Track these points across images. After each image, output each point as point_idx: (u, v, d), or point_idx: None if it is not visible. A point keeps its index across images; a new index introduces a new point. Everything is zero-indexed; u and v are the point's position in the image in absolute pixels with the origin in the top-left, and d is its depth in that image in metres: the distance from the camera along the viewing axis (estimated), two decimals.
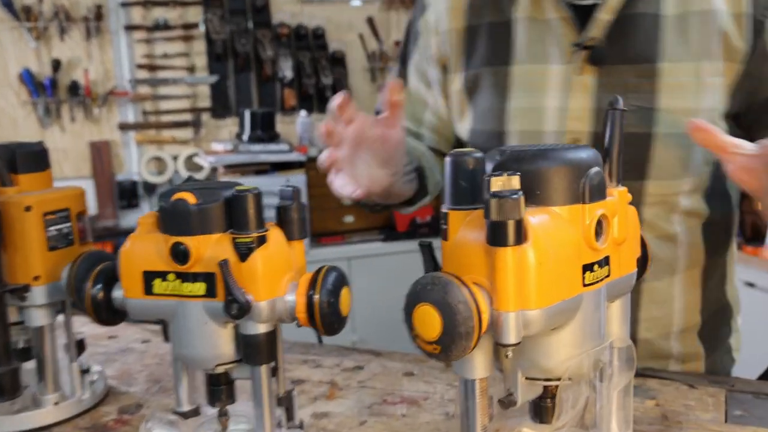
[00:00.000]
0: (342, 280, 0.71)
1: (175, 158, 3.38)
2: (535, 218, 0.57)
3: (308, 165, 3.12)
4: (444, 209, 0.61)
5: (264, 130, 3.08)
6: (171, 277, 0.71)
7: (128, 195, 3.41)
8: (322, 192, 3.37)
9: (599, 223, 0.61)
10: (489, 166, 0.61)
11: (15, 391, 0.86)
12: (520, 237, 0.55)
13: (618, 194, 0.64)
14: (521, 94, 1.02)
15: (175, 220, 0.69)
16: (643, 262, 0.71)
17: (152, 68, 3.34)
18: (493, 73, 1.04)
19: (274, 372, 0.76)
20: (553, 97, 0.99)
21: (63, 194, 0.89)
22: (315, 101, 3.62)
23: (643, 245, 0.71)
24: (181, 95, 3.35)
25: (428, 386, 0.96)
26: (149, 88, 3.36)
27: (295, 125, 3.45)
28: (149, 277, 0.72)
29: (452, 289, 0.54)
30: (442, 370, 1.01)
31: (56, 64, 3.19)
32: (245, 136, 3.11)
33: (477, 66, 1.06)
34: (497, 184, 0.56)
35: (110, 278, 0.77)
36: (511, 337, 0.56)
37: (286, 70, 3.50)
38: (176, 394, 0.81)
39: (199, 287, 0.70)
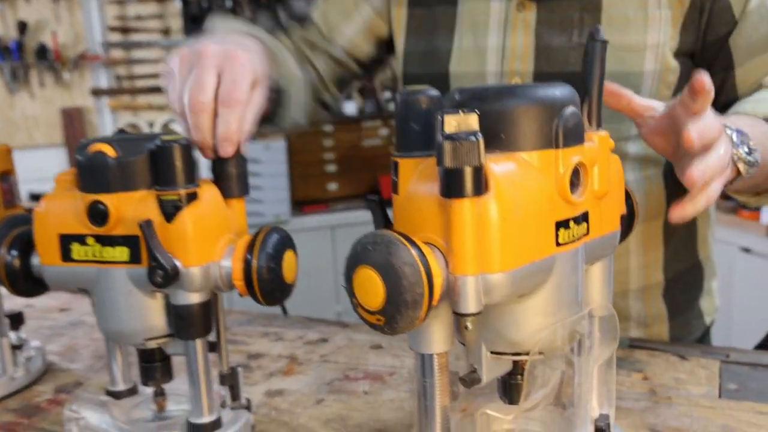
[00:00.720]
0: (285, 243, 0.63)
1: (151, 125, 3.25)
2: (498, 165, 0.48)
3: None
4: (394, 157, 0.53)
5: None
6: (90, 240, 0.62)
7: None
8: (304, 159, 3.27)
9: (575, 173, 0.52)
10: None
11: None
12: (480, 187, 0.46)
13: (598, 139, 0.55)
14: (468, 34, 0.95)
15: (92, 176, 0.60)
16: (628, 220, 0.63)
17: (125, 31, 3.20)
18: (441, 12, 0.97)
19: (214, 347, 0.68)
20: (494, 36, 0.93)
21: None
22: None
23: (629, 200, 0.62)
24: (157, 59, 3.22)
25: (395, 360, 0.88)
26: (122, 52, 3.22)
27: None
28: (66, 240, 0.63)
29: (397, 249, 0.45)
30: None
31: (22, 27, 3.04)
32: None
33: (424, 3, 0.99)
34: (451, 124, 0.47)
35: (28, 243, 0.68)
36: (470, 305, 0.48)
37: None
38: (110, 373, 0.73)
39: (122, 252, 0.61)
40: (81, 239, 0.62)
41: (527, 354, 0.53)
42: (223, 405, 0.69)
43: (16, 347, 0.88)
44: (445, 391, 0.55)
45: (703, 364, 0.81)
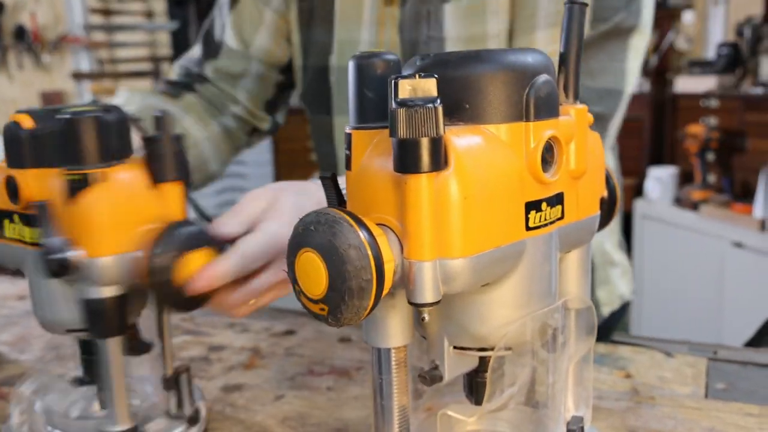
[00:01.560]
0: (197, 239, 0.56)
1: None
2: (460, 138, 0.43)
3: None
4: (347, 129, 0.47)
5: None
6: (15, 218, 0.57)
7: None
8: (290, 147, 3.21)
9: (548, 149, 0.47)
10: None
11: None
12: (438, 161, 0.41)
13: (575, 113, 0.49)
14: (343, 27, 0.94)
15: (8, 148, 0.55)
16: (609, 205, 0.58)
17: (107, 13, 3.13)
18: (321, 4, 0.96)
19: (146, 347, 0.62)
20: (366, 30, 0.92)
21: None
22: None
23: (610, 182, 0.57)
24: (139, 43, 3.15)
25: (364, 354, 0.82)
26: (104, 35, 3.15)
27: None
28: (0, 216, 0.58)
29: (341, 230, 0.40)
30: None
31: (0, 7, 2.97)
32: None
33: None
34: (406, 89, 0.41)
35: None
36: (426, 294, 0.42)
37: None
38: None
39: (37, 233, 0.55)
40: (9, 216, 0.57)
41: (493, 349, 0.48)
42: (168, 414, 0.64)
43: None
44: (404, 389, 0.50)
45: (689, 362, 0.75)
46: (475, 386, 0.52)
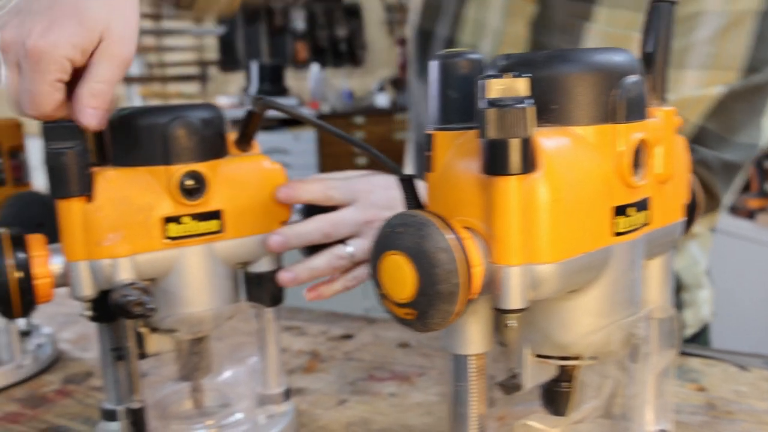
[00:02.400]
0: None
1: None
2: (549, 140, 0.41)
3: None
4: (428, 130, 0.46)
5: (273, 84, 2.93)
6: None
7: None
8: (334, 151, 3.22)
9: (637, 152, 0.45)
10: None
11: None
12: (528, 163, 0.40)
13: (663, 115, 0.48)
14: (474, 3, 0.89)
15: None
16: (691, 210, 0.56)
17: (156, 18, 3.18)
18: None
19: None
20: (494, 16, 0.87)
21: None
22: (328, 55, 3.44)
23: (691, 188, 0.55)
24: (187, 47, 3.19)
25: (425, 360, 0.81)
26: (153, 39, 3.20)
27: (306, 80, 3.28)
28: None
29: (431, 233, 0.39)
30: None
31: None
32: (252, 90, 2.96)
33: None
34: (496, 88, 0.40)
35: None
36: (514, 300, 0.41)
37: (298, 21, 3.32)
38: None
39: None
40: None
41: (576, 359, 0.47)
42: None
43: (25, 334, 0.83)
44: (482, 397, 0.48)
45: (766, 376, 0.73)
46: (554, 396, 0.50)
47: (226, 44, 3.32)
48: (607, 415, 0.53)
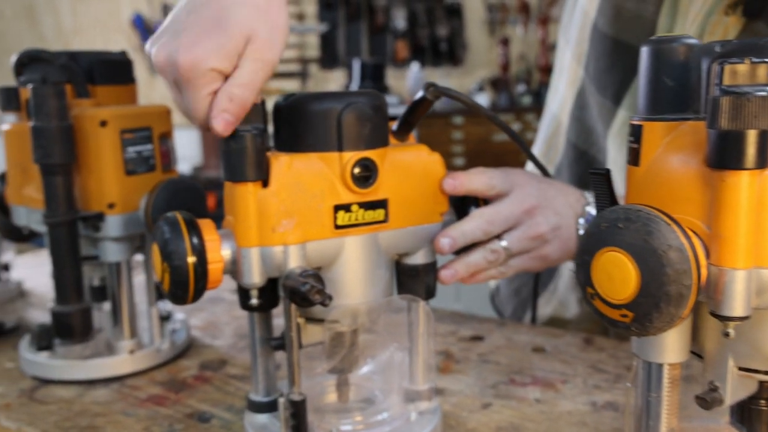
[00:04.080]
0: None
1: None
2: None
3: None
4: (634, 120, 0.43)
5: (374, 82, 2.92)
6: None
7: None
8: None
9: None
10: (705, 64, 0.42)
11: (86, 334, 0.75)
12: (765, 157, 0.36)
13: None
14: (669, 6, 0.81)
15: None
16: None
17: None
18: None
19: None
20: (691, 25, 0.79)
21: (144, 111, 0.77)
22: (428, 54, 3.42)
23: None
24: (289, 44, 3.23)
25: (566, 367, 0.78)
26: None
27: (405, 78, 3.27)
28: None
29: (660, 229, 0.36)
30: (581, 348, 0.83)
31: (167, 9, 3.14)
32: (353, 88, 2.97)
33: None
34: (733, 73, 0.37)
35: None
36: (736, 306, 0.38)
37: (399, 20, 3.32)
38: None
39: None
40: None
41: None
42: None
43: (164, 318, 0.84)
44: (674, 410, 0.45)
45: None
46: (753, 414, 0.46)
47: (328, 42, 3.36)
48: None
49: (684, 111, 0.42)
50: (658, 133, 0.42)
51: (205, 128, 0.54)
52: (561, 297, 1.00)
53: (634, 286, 0.37)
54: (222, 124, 0.51)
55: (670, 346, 0.43)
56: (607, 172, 0.46)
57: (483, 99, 3.17)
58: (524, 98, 3.19)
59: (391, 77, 3.30)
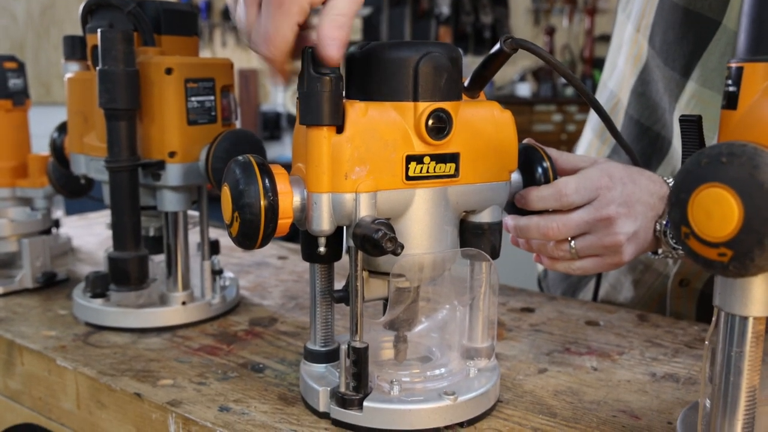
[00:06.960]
0: None
1: None
2: None
3: None
4: (733, 63, 0.42)
5: None
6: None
7: (271, 126, 3.37)
8: None
9: None
10: None
11: (141, 281, 0.75)
12: None
13: None
14: None
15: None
16: None
17: None
18: None
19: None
20: None
21: (208, 62, 0.77)
22: (471, 41, 3.40)
23: None
24: None
25: (621, 340, 0.76)
26: None
27: None
28: None
29: (766, 163, 0.35)
30: (636, 324, 0.81)
31: None
32: None
33: None
34: None
35: None
36: None
37: (444, 6, 3.30)
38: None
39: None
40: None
41: None
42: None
43: (216, 272, 0.85)
44: (756, 366, 0.44)
45: None
46: None
47: (370, 25, 3.35)
48: None
49: None
50: (759, 75, 0.40)
51: (267, 56, 0.53)
52: (612, 280, 0.98)
53: (736, 222, 0.35)
54: (336, 50, 0.51)
55: (758, 297, 0.42)
56: (699, 118, 0.44)
57: (525, 88, 3.14)
58: (567, 89, 3.15)
59: None
